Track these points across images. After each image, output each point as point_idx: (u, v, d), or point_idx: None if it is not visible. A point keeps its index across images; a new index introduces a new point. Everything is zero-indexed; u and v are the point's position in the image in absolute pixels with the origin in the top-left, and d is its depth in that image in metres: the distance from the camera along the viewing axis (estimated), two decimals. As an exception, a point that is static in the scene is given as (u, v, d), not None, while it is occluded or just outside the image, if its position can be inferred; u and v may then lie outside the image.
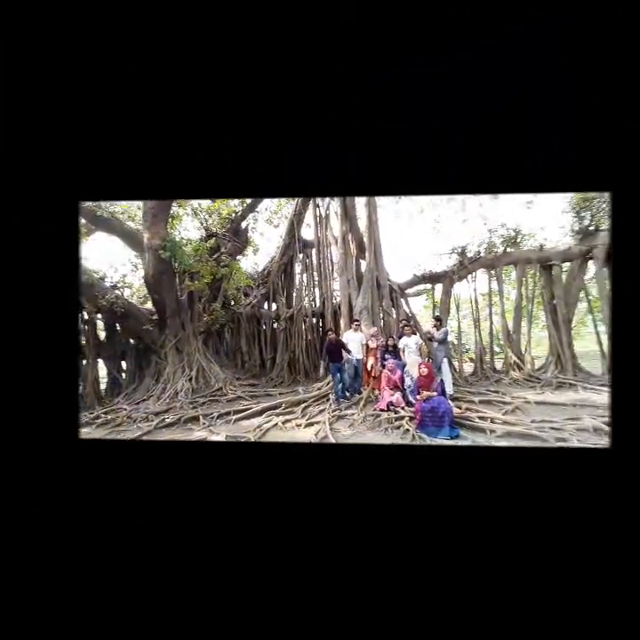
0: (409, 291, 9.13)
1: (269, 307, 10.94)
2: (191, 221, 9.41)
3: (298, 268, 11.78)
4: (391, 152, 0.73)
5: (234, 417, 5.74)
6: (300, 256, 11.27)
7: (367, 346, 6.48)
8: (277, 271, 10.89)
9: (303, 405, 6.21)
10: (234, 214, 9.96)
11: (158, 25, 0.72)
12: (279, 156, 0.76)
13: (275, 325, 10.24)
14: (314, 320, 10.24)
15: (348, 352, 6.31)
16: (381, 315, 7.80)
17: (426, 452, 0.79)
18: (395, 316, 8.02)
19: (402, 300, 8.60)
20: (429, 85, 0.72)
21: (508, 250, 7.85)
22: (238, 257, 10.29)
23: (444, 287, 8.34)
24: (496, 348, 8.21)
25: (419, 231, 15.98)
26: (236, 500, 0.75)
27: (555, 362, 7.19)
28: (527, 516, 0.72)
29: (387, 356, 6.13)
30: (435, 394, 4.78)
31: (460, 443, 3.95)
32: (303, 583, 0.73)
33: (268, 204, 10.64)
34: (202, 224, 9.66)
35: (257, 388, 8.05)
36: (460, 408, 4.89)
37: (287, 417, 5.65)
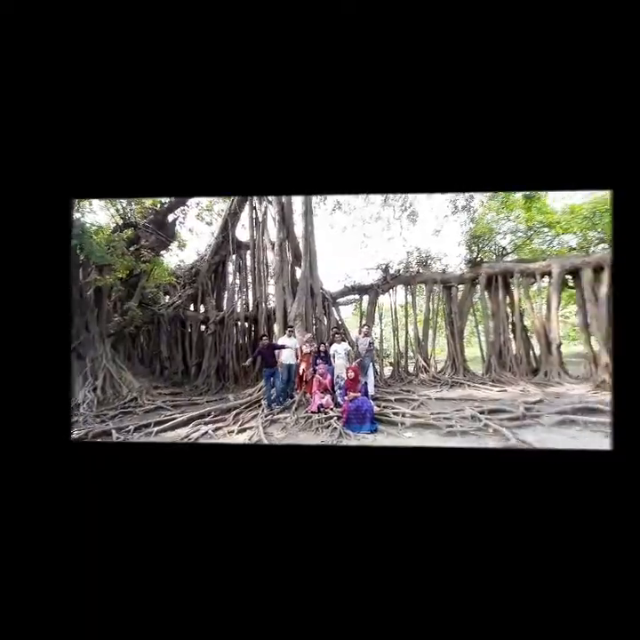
0: (339, 300, 9.79)
1: (197, 308, 10.26)
2: (104, 206, 8.23)
3: (231, 269, 11.41)
4: (391, 148, 0.71)
5: (155, 429, 5.23)
6: (234, 257, 10.94)
7: (301, 351, 6.71)
8: (208, 271, 10.32)
9: (235, 412, 6.05)
10: (159, 205, 9.11)
11: (149, 21, 0.70)
12: (274, 153, 0.74)
13: (202, 328, 9.65)
14: (246, 324, 10.03)
15: (276, 356, 6.39)
16: (314, 322, 8.16)
17: (426, 455, 0.74)
18: (326, 323, 8.48)
19: (333, 308, 9.17)
20: (429, 81, 0.70)
21: (421, 271, 9.19)
22: (162, 252, 9.42)
23: (370, 298, 9.24)
24: (410, 354, 9.44)
25: (349, 244, 17.33)
26: (230, 503, 0.73)
27: (451, 365, 8.67)
28: (529, 519, 0.69)
29: (318, 361, 6.39)
30: (359, 394, 5.32)
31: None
32: (302, 586, 0.72)
33: (199, 199, 10.06)
34: (118, 211, 8.55)
35: (179, 397, 7.45)
36: (379, 406, 5.54)
37: (218, 425, 5.43)
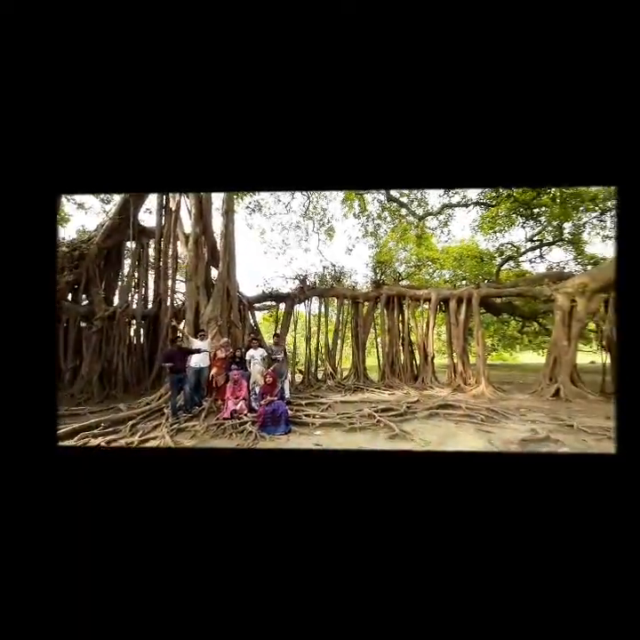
0: (256, 305, 9.69)
1: (78, 300, 8.32)
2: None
3: (128, 258, 9.75)
4: (396, 144, 0.69)
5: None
6: (133, 245, 9.42)
7: (215, 356, 6.33)
8: (97, 256, 8.56)
9: (131, 423, 5.22)
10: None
11: (138, 14, 0.67)
12: (269, 149, 0.72)
13: (83, 325, 7.90)
14: (143, 323, 8.71)
15: (181, 361, 5.87)
16: (229, 326, 7.84)
17: (427, 459, 0.74)
18: (241, 328, 8.25)
19: (249, 312, 9.00)
20: (432, 76, 0.68)
21: (335, 285, 10.08)
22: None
23: (287, 307, 9.51)
24: (319, 362, 10.09)
25: (267, 249, 17.48)
26: (222, 510, 0.71)
27: (354, 372, 9.71)
28: (532, 523, 0.68)
29: (233, 366, 6.17)
30: (276, 398, 5.47)
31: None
32: (296, 594, 0.70)
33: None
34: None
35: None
36: (291, 410, 5.78)
37: (112, 437, 4.58)
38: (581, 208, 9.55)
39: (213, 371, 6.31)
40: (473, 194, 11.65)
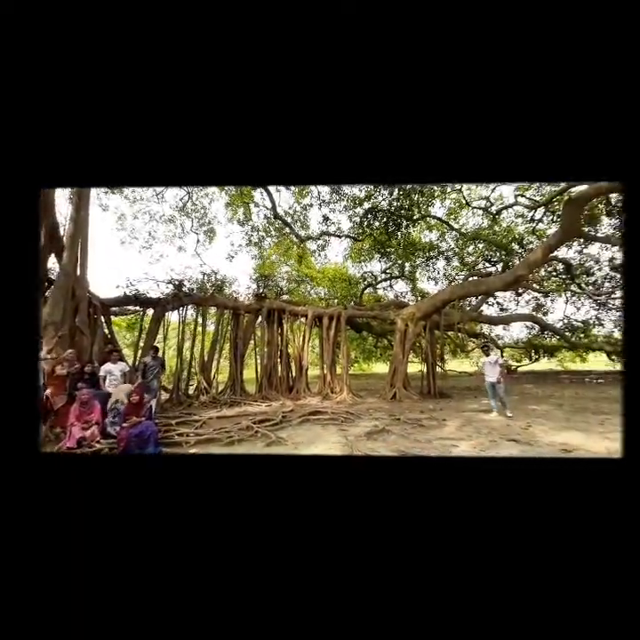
0: (114, 309, 8.12)
1: None
2: None
3: None
4: (400, 140, 0.66)
5: None
6: None
7: (52, 372, 4.97)
8: None
9: None
10: None
11: (128, 10, 0.63)
12: (263, 144, 0.69)
13: None
14: None
15: None
16: (72, 333, 6.28)
17: (430, 464, 0.70)
18: (90, 337, 6.75)
19: (103, 318, 7.46)
20: (435, 73, 0.67)
21: (216, 294, 9.64)
22: None
23: (156, 313, 8.39)
24: (192, 376, 9.29)
25: (127, 241, 14.44)
26: (210, 517, 0.68)
27: (231, 386, 9.45)
28: (536, 529, 0.66)
29: (80, 385, 5.05)
30: (143, 419, 4.79)
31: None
32: (293, 605, 0.68)
33: None
34: None
35: None
36: (160, 431, 5.18)
37: None
38: (416, 253, 12.77)
39: (48, 390, 4.94)
40: (346, 226, 13.66)
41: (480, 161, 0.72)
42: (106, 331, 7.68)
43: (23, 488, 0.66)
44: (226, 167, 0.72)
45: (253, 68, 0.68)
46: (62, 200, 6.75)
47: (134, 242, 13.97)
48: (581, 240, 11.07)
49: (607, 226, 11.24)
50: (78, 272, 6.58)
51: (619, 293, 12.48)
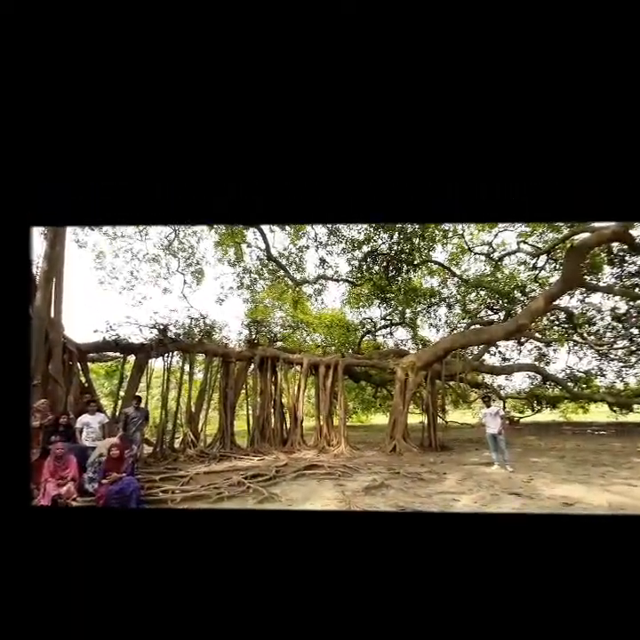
0: (92, 355, 7.41)
1: None
2: None
3: None
4: (406, 171, 0.62)
5: None
6: None
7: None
8: None
9: None
10: None
11: (119, 24, 0.63)
12: (243, 180, 0.68)
13: None
14: None
15: None
16: (45, 382, 5.55)
17: (429, 520, 0.69)
18: (64, 385, 6.00)
19: (79, 365, 6.72)
20: (445, 90, 0.62)
21: (205, 340, 8.99)
22: None
23: (139, 360, 7.66)
24: (177, 428, 8.33)
25: (106, 281, 12.86)
26: (204, 573, 0.65)
27: (220, 439, 8.45)
28: (541, 588, 0.62)
29: (54, 438, 4.58)
30: (124, 475, 4.27)
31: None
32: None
33: None
34: None
35: None
36: (142, 488, 4.69)
37: None
38: (417, 299, 12.47)
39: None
40: (344, 270, 13.49)
41: (510, 201, 0.66)
42: (82, 379, 6.95)
43: (14, 543, 0.65)
44: (216, 204, 0.70)
45: (245, 98, 0.66)
46: (35, 235, 6.26)
47: (114, 282, 12.50)
48: (583, 289, 10.96)
49: (609, 275, 11.26)
50: (52, 314, 6.05)
51: (620, 343, 12.55)
